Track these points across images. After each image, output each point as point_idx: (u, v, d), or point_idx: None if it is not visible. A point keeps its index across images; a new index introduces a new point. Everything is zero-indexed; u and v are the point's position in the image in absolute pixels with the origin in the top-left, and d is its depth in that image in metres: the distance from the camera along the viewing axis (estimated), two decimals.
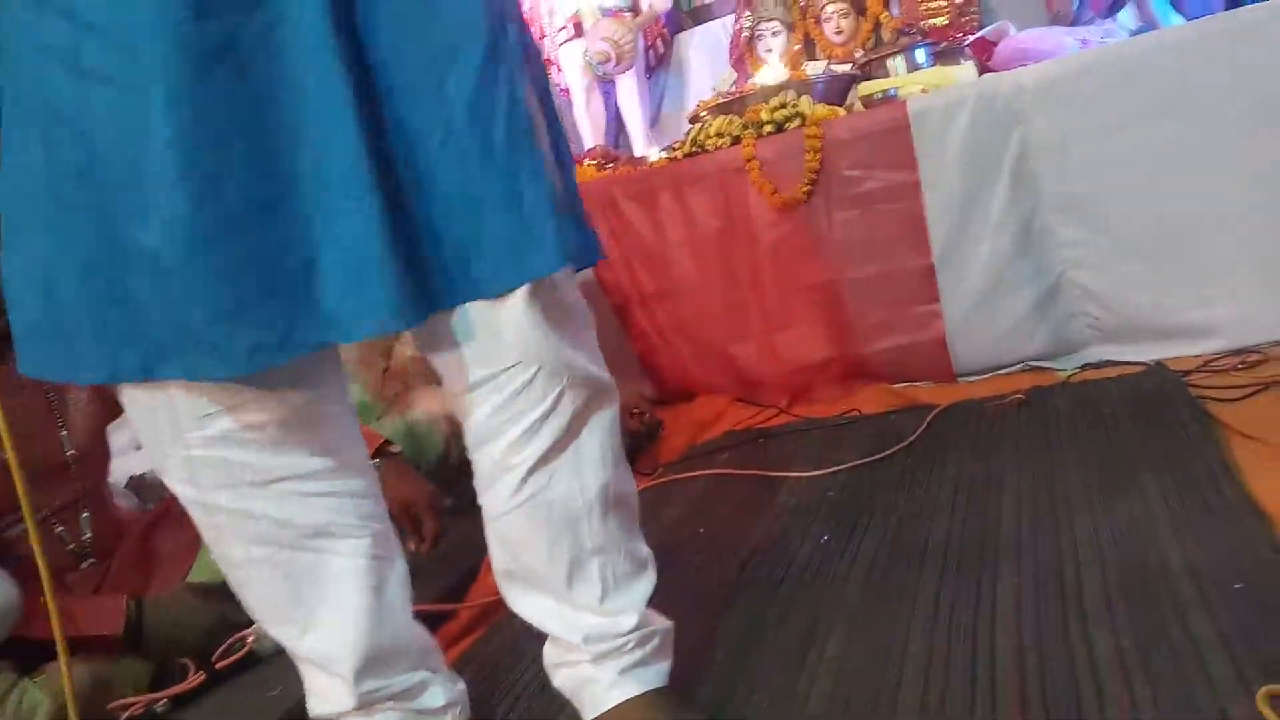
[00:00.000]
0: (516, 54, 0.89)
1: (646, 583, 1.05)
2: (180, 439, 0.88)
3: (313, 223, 0.81)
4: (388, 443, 1.93)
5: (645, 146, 3.44)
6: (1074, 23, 2.54)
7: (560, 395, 0.94)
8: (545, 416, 0.94)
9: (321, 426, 0.93)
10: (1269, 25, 1.81)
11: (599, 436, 0.99)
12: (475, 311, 0.89)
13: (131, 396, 0.88)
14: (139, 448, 2.14)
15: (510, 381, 0.92)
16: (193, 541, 1.68)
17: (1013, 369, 2.14)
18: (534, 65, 0.97)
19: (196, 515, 0.94)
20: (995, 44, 2.53)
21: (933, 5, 2.87)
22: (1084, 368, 2.05)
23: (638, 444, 2.22)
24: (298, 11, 0.78)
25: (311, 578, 0.95)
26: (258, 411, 0.88)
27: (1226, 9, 2.37)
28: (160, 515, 1.81)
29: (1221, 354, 1.89)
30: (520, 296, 0.89)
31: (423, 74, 0.83)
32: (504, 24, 0.88)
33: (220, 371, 0.81)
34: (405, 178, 0.83)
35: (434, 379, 2.12)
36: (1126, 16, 2.51)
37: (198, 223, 0.77)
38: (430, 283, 0.85)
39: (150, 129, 0.75)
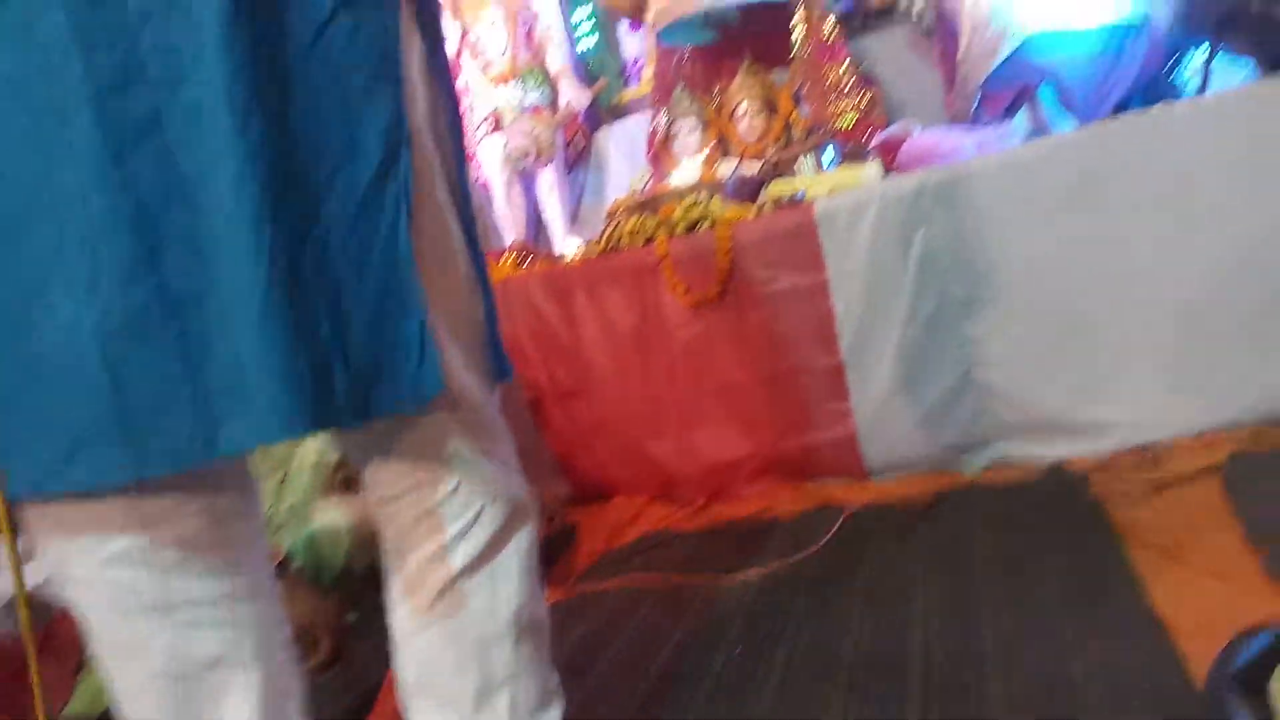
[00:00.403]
0: (406, 179, 0.87)
1: (554, 713, 1.02)
2: (75, 557, 0.83)
3: (230, 319, 0.77)
4: (287, 557, 1.86)
5: (564, 242, 3.45)
6: (973, 123, 2.64)
7: (480, 513, 0.93)
8: (463, 534, 0.92)
9: (227, 545, 0.89)
10: (1158, 129, 1.88)
11: (516, 559, 0.97)
12: (398, 424, 0.88)
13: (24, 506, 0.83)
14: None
15: (430, 496, 0.91)
16: (71, 673, 1.59)
17: (922, 467, 2.15)
18: (458, 197, 0.96)
19: (90, 636, 0.88)
20: (900, 143, 2.61)
21: (840, 106, 2.96)
22: (991, 465, 2.07)
23: (551, 550, 2.17)
24: (214, 95, 0.75)
25: (207, 711, 0.89)
26: (159, 527, 0.83)
27: (1114, 112, 2.49)
28: (41, 641, 1.71)
29: (1124, 450, 1.92)
30: (442, 411, 0.88)
31: (327, 173, 0.81)
32: (397, 138, 0.86)
33: (125, 475, 0.77)
34: (319, 281, 0.80)
35: (337, 488, 2.08)
36: (1021, 120, 2.62)
37: (125, 306, 0.73)
38: (347, 390, 0.82)
39: (78, 198, 0.72)
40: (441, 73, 0.98)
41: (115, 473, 0.77)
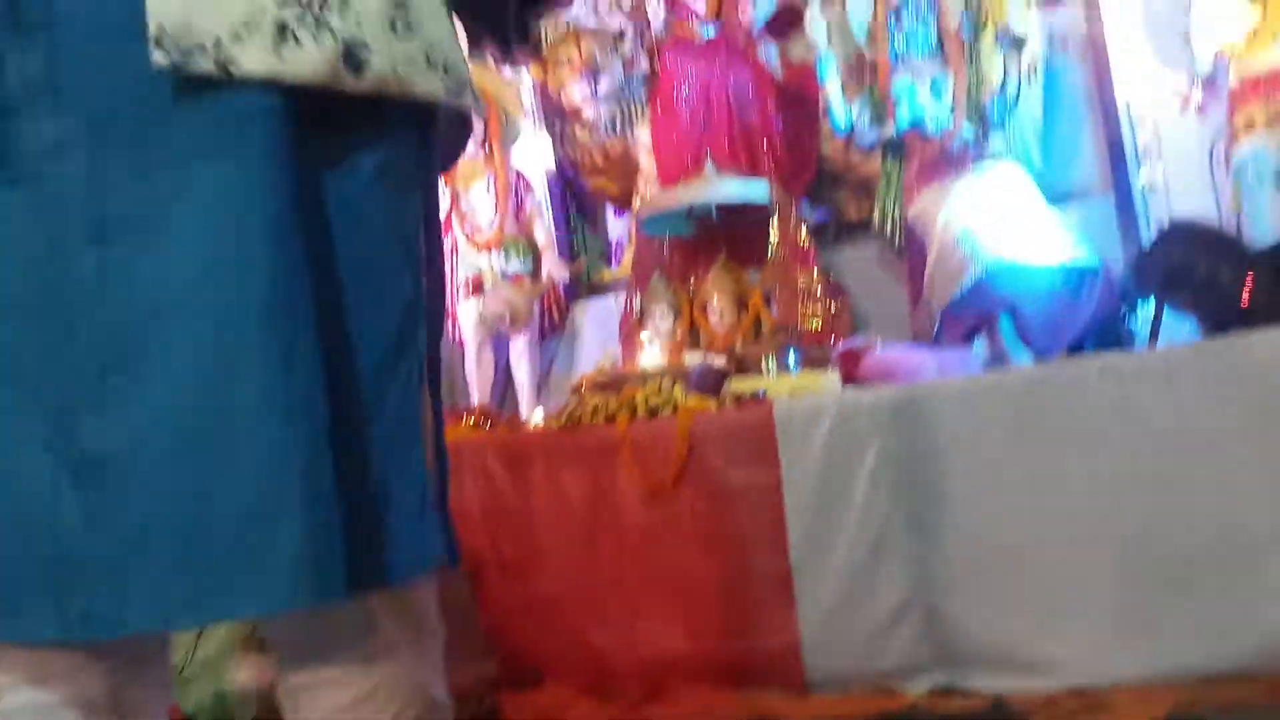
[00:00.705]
0: (420, 351, 0.89)
1: None
2: None
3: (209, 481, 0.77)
4: (191, 716, 1.76)
5: (529, 409, 3.47)
6: (934, 344, 2.73)
7: (395, 716, 0.87)
8: None
9: (131, 710, 0.84)
10: (1107, 375, 1.95)
11: None
12: (319, 609, 0.83)
13: None
14: None
15: (343, 694, 0.86)
16: None
17: (864, 684, 2.10)
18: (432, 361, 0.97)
19: None
20: (863, 355, 2.69)
21: (808, 310, 3.06)
22: (934, 690, 2.02)
23: None
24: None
25: None
26: (64, 685, 0.79)
27: (1069, 349, 2.59)
28: None
29: (1067, 691, 1.89)
30: (370, 601, 0.84)
31: (347, 344, 0.82)
32: (414, 310, 0.88)
33: (44, 634, 0.74)
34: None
35: (253, 646, 1.99)
36: (980, 347, 2.72)
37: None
38: (344, 562, 0.79)
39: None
40: (436, 248, 1.00)
41: (41, 630, 0.74)
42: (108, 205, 0.77)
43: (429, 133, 0.93)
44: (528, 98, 4.13)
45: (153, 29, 0.74)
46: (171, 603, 0.76)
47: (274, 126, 0.79)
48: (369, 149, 0.86)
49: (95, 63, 0.77)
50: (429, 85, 0.87)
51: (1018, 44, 2.99)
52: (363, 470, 0.82)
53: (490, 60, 4.17)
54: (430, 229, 0.97)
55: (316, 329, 0.79)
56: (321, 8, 0.79)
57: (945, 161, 3.02)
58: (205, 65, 0.75)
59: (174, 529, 0.75)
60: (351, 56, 0.80)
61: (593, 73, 3.76)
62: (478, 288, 3.67)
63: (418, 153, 0.91)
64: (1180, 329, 2.28)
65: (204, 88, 0.77)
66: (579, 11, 4.20)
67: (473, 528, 2.49)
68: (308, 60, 0.78)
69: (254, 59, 0.77)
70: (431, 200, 0.98)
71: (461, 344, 3.73)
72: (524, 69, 4.14)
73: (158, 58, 0.74)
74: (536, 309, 3.64)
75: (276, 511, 0.75)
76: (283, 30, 0.77)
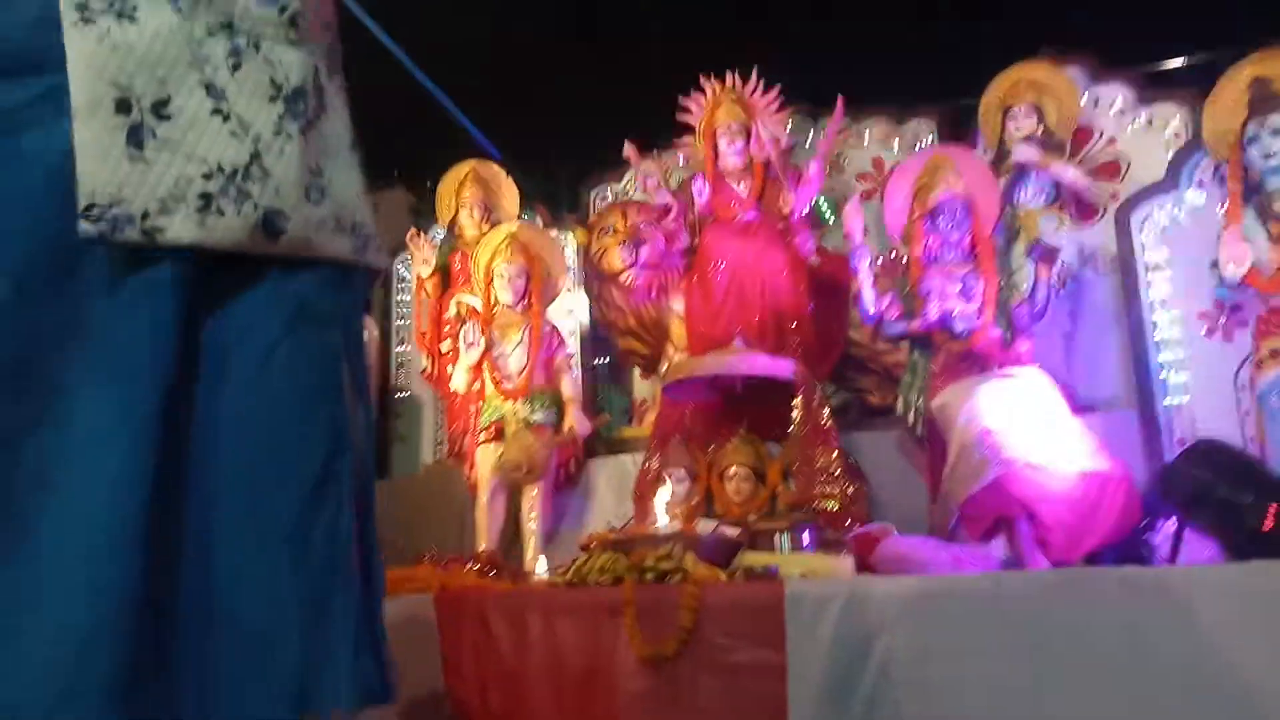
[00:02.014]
0: (347, 481, 0.91)
1: None
2: None
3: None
4: None
5: (535, 561, 3.43)
6: (950, 538, 2.70)
7: None
8: None
9: None
10: (1124, 590, 1.92)
11: None
12: None
13: None
14: None
15: None
16: None
17: None
18: (362, 485, 0.98)
19: None
20: (877, 541, 2.66)
21: (826, 490, 3.05)
22: None
23: None
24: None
25: None
26: None
27: (1088, 557, 2.56)
28: None
29: None
30: None
31: (242, 489, 0.83)
32: (336, 450, 0.90)
33: None
34: (185, 585, 0.81)
35: None
36: (998, 546, 2.68)
37: None
38: (187, 703, 0.80)
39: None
40: (362, 385, 1.02)
41: None
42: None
43: (352, 268, 0.97)
44: (571, 258, 4.29)
45: (83, 200, 0.79)
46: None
47: (180, 295, 0.83)
48: (291, 289, 0.90)
49: (19, 231, 0.81)
50: (338, 247, 0.92)
51: (1049, 255, 3.10)
52: (291, 604, 0.83)
53: (539, 220, 4.37)
54: (354, 363, 0.99)
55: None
56: (244, 179, 0.85)
57: (970, 360, 3.07)
58: (132, 235, 0.80)
59: None
60: (269, 224, 0.86)
61: (635, 242, 3.91)
62: (499, 434, 3.70)
63: (337, 291, 0.95)
64: (1201, 549, 2.25)
65: (116, 259, 0.82)
66: (628, 186, 4.42)
67: (464, 678, 2.42)
68: (229, 229, 0.84)
69: (179, 228, 0.82)
70: (353, 336, 1.01)
71: (474, 488, 3.73)
72: (570, 232, 4.33)
73: (86, 228, 0.79)
74: (554, 461, 3.65)
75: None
76: (207, 201, 0.83)
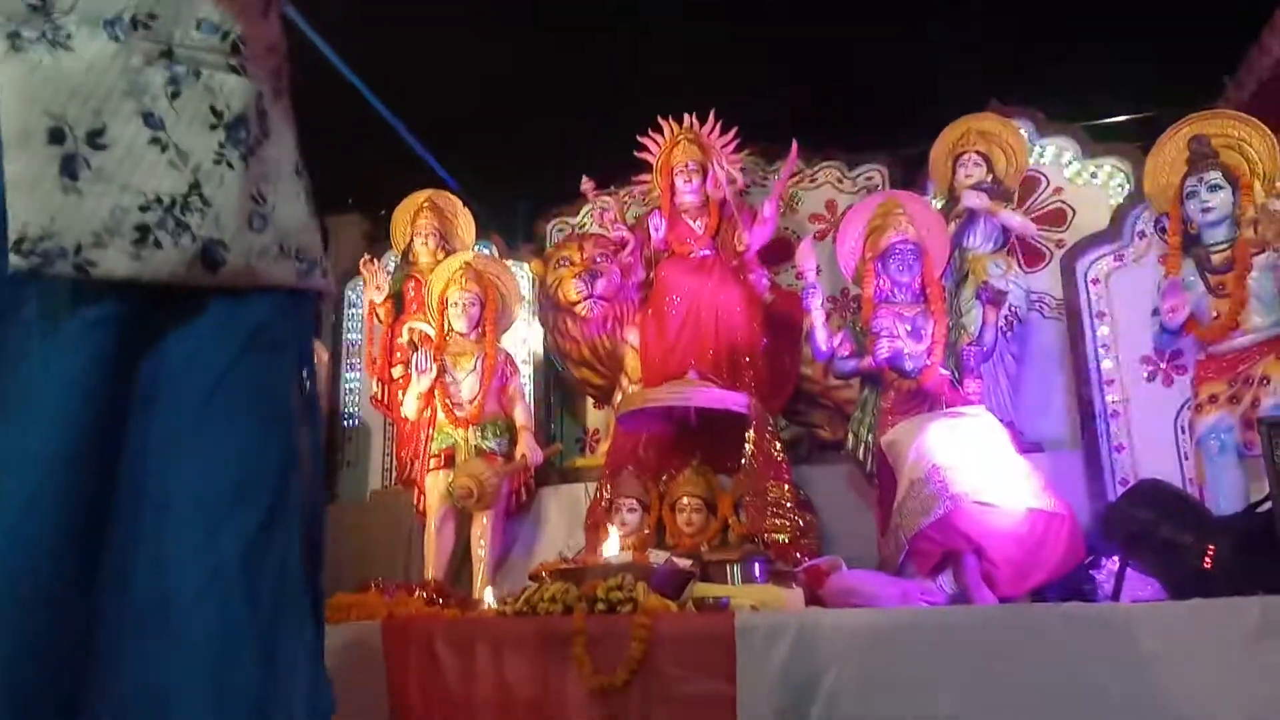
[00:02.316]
0: (296, 504, 0.90)
1: None
2: None
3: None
4: None
5: (484, 588, 3.38)
6: (899, 572, 2.72)
7: None
8: None
9: None
10: (1068, 626, 1.95)
11: None
12: None
13: None
14: None
15: None
16: None
17: None
18: (311, 498, 0.96)
19: None
20: (827, 574, 2.68)
21: (777, 522, 3.06)
22: None
23: None
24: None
25: None
26: None
27: (1033, 593, 2.60)
28: None
29: None
30: None
31: (195, 517, 0.82)
32: (287, 475, 0.89)
33: None
34: (125, 618, 0.79)
35: None
36: (945, 581, 2.71)
37: None
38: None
39: None
40: (313, 409, 1.02)
41: None
42: None
43: (302, 292, 0.96)
44: (526, 288, 4.29)
45: (14, 234, 0.77)
46: None
47: (116, 332, 0.81)
48: (243, 315, 0.89)
49: None
50: (280, 273, 0.91)
51: (997, 298, 3.17)
52: (245, 630, 0.82)
53: (495, 250, 4.37)
54: (304, 387, 0.98)
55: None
56: (183, 210, 0.83)
57: (919, 398, 3.13)
58: (64, 269, 0.78)
59: None
60: (209, 255, 0.84)
61: (591, 274, 3.92)
62: (449, 461, 3.66)
63: (288, 316, 0.94)
64: (1143, 587, 2.30)
65: (51, 294, 0.80)
66: (585, 219, 4.45)
67: (411, 708, 2.37)
68: (165, 261, 0.82)
69: (113, 261, 0.80)
70: (304, 359, 0.99)
71: (423, 514, 3.68)
72: (525, 263, 4.33)
73: (17, 262, 0.76)
74: (505, 488, 3.62)
75: None
76: (144, 233, 0.81)
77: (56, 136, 0.79)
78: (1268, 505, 2.10)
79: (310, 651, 0.87)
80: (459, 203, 4.40)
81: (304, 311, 0.97)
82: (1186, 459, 3.08)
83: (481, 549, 3.55)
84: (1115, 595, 2.27)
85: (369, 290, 4.25)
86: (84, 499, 0.79)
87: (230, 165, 0.87)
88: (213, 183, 0.85)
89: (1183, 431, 3.14)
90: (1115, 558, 2.36)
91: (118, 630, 0.80)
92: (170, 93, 0.85)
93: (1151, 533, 2.17)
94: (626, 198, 4.32)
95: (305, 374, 0.98)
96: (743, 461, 3.26)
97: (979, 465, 2.69)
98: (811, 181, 4.26)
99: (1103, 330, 3.40)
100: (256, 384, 0.88)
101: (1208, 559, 2.10)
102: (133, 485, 0.81)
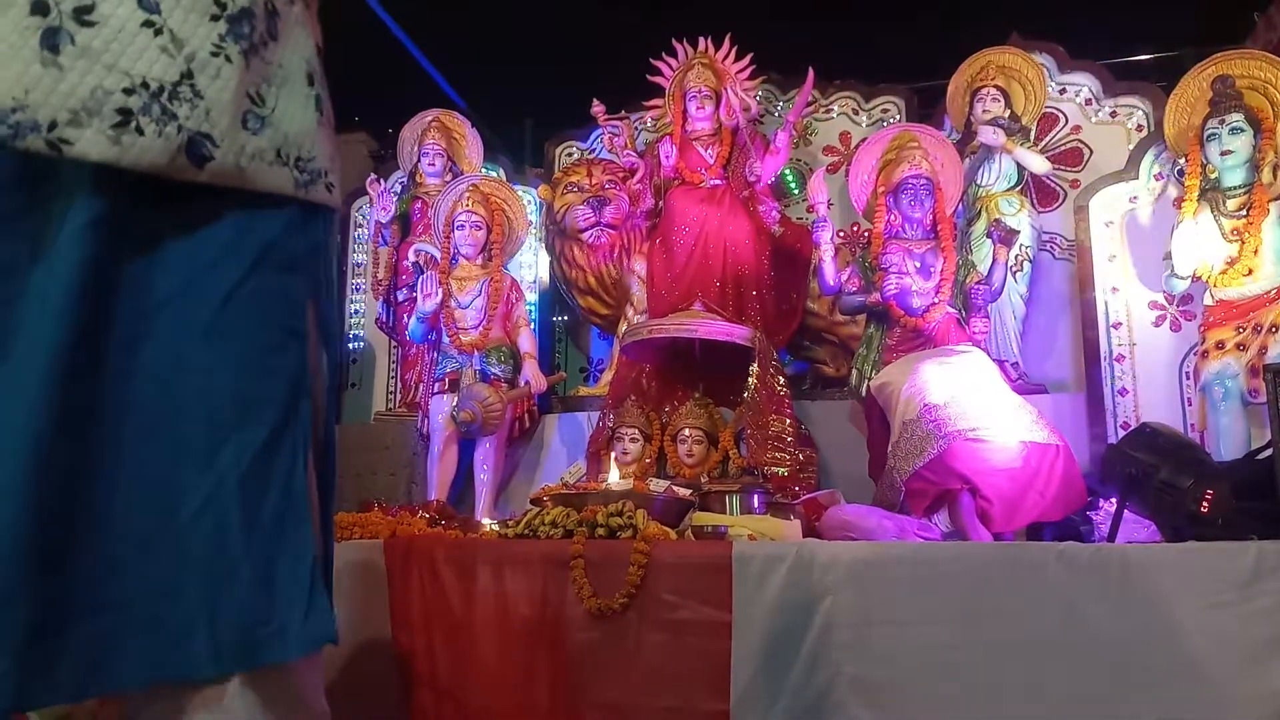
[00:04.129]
0: (306, 425, 0.89)
1: None
2: None
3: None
4: None
5: (486, 513, 3.42)
6: (896, 510, 2.74)
7: None
8: None
9: None
10: (1061, 565, 1.97)
11: None
12: (190, 695, 0.80)
13: None
14: None
15: None
16: None
17: None
18: (322, 420, 0.96)
19: None
20: (825, 507, 2.70)
21: (777, 455, 3.08)
22: None
23: None
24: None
25: None
26: None
27: (1028, 530, 2.62)
28: None
29: None
30: (238, 683, 0.81)
31: (197, 433, 0.82)
32: (297, 396, 0.89)
33: None
34: (117, 532, 0.79)
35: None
36: (941, 519, 2.74)
37: None
38: (212, 639, 0.79)
39: None
40: (328, 327, 1.01)
41: None
42: None
43: (315, 210, 0.94)
44: (534, 214, 4.25)
45: None
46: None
47: (102, 237, 0.79)
48: (252, 232, 0.87)
49: None
50: (275, 180, 0.87)
51: (1008, 237, 3.14)
52: (241, 550, 0.82)
53: (502, 173, 4.32)
54: (322, 306, 0.97)
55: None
56: (171, 98, 0.80)
57: (924, 336, 3.12)
58: (36, 144, 0.75)
59: None
60: (194, 149, 0.81)
61: (599, 201, 3.88)
62: (453, 385, 3.67)
63: (302, 234, 0.92)
64: (1139, 529, 2.32)
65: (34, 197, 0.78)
66: (594, 144, 4.39)
67: (411, 627, 2.42)
68: (146, 150, 0.78)
69: (90, 143, 0.76)
70: (322, 280, 0.97)
71: (428, 438, 3.70)
72: (533, 187, 4.28)
73: None
74: (508, 414, 3.63)
75: None
76: (126, 117, 0.78)
77: (39, 8, 0.76)
78: (1268, 453, 2.10)
79: (310, 576, 0.86)
80: (467, 124, 4.34)
81: (317, 231, 0.95)
82: (1190, 404, 3.08)
83: (484, 474, 3.58)
84: (1111, 536, 2.29)
85: (375, 211, 4.22)
86: (74, 413, 0.78)
87: (229, 59, 0.83)
88: (207, 74, 0.82)
89: (1187, 377, 3.13)
90: (1113, 499, 2.37)
91: (124, 535, 0.80)
92: None
93: (1150, 475, 2.18)
94: (637, 124, 4.25)
95: (321, 295, 0.96)
96: (745, 395, 3.26)
97: (971, 402, 2.69)
98: (826, 112, 4.19)
99: (1113, 273, 3.37)
100: (266, 302, 0.87)
101: (1205, 503, 2.11)
102: (133, 395, 0.80)
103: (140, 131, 0.78)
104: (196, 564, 0.80)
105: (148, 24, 0.80)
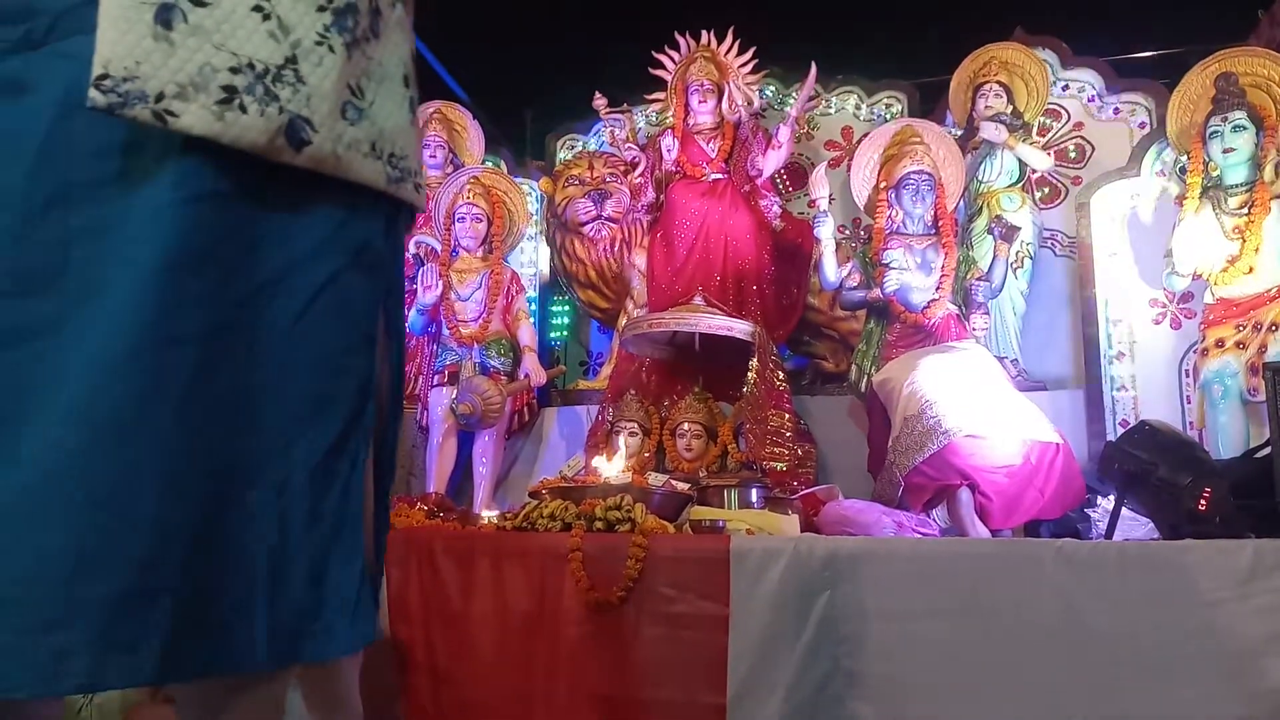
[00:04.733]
0: (369, 428, 0.90)
1: None
2: None
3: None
4: None
5: (484, 505, 3.43)
6: (895, 505, 2.75)
7: None
8: None
9: None
10: (1060, 561, 1.97)
11: None
12: (237, 685, 0.81)
13: None
14: None
15: None
16: None
17: None
18: (388, 419, 0.96)
19: None
20: (823, 502, 2.71)
21: (776, 450, 3.08)
22: None
23: None
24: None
25: None
26: None
27: (1027, 526, 2.62)
28: None
29: None
30: (293, 677, 0.83)
31: (275, 424, 0.82)
32: (365, 397, 0.89)
33: None
34: (266, 518, 0.80)
35: (159, 696, 1.90)
36: (940, 514, 2.74)
37: None
38: (268, 633, 0.79)
39: None
40: (398, 334, 1.02)
41: None
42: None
43: (399, 210, 0.95)
44: (535, 206, 4.25)
45: (97, 68, 0.75)
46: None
47: (204, 214, 0.79)
48: (350, 229, 0.87)
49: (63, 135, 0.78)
50: (369, 172, 0.88)
51: (1009, 233, 3.14)
52: (300, 546, 0.82)
53: (503, 166, 4.31)
54: (391, 310, 0.97)
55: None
56: (274, 80, 0.81)
57: (924, 333, 3.12)
58: (142, 113, 0.76)
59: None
60: (294, 131, 0.81)
61: (600, 194, 3.88)
62: (453, 378, 3.67)
63: (390, 237, 0.93)
64: (1137, 527, 2.32)
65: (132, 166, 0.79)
66: (596, 137, 4.38)
67: (410, 619, 2.42)
68: (248, 128, 0.79)
69: (195, 116, 0.77)
70: (396, 281, 0.98)
71: (427, 430, 3.71)
72: (534, 180, 4.28)
73: (94, 97, 0.75)
74: (508, 407, 3.63)
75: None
76: (230, 94, 0.79)
77: None
78: (1267, 451, 2.11)
79: (361, 577, 0.86)
80: (468, 115, 4.33)
81: (400, 232, 0.96)
82: (1189, 402, 3.08)
83: (483, 466, 3.58)
84: (1109, 533, 2.30)
85: None
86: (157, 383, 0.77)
87: (332, 49, 0.84)
88: (310, 61, 0.83)
89: (1187, 375, 3.14)
90: (1111, 496, 2.37)
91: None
92: None
93: (1149, 472, 2.18)
94: (639, 117, 4.24)
95: (391, 297, 0.96)
96: (745, 389, 3.26)
97: (971, 399, 2.70)
98: (828, 106, 4.18)
99: (1114, 270, 3.37)
100: (351, 301, 0.87)
101: (1203, 501, 2.11)
102: (211, 374, 0.79)
103: (243, 109, 0.79)
104: (257, 558, 0.80)
105: (257, 9, 0.81)
